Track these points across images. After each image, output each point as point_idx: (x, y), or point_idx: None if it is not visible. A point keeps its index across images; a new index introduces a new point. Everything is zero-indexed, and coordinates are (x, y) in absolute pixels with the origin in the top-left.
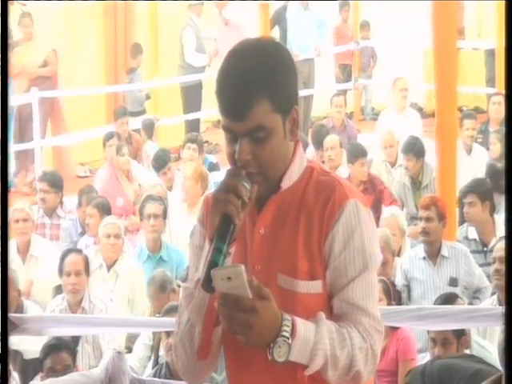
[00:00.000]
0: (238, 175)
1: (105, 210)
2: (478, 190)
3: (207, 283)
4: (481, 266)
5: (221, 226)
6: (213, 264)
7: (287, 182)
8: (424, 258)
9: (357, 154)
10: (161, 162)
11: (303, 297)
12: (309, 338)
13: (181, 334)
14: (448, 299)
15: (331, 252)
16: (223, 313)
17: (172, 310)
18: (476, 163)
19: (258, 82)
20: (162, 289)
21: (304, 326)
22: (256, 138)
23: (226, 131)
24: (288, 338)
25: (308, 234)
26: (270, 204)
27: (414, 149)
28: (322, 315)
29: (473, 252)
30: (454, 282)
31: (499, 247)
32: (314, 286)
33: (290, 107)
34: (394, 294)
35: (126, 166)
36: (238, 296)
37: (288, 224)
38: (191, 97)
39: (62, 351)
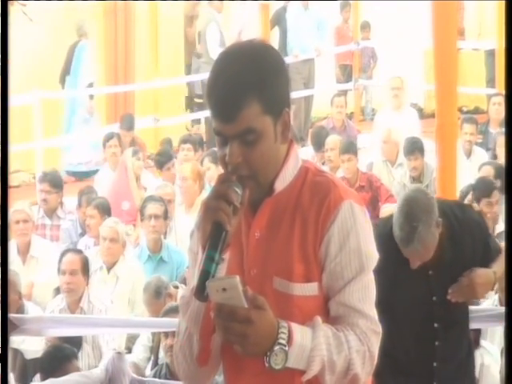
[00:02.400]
0: (228, 181)
1: (105, 210)
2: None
3: (200, 292)
4: None
5: (212, 234)
6: (205, 273)
7: (281, 184)
8: None
9: (345, 149)
10: (166, 156)
11: (299, 299)
12: (306, 345)
13: (180, 343)
14: None
15: (327, 254)
16: (219, 323)
17: (171, 311)
18: (476, 165)
19: (248, 84)
20: (157, 295)
21: (300, 333)
22: (246, 140)
23: (216, 134)
24: (285, 346)
25: (303, 237)
26: (265, 207)
27: (418, 146)
28: (319, 320)
29: None
30: None
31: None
32: (310, 289)
33: (281, 110)
34: None
35: (139, 171)
36: (233, 307)
37: (283, 227)
38: None
39: (73, 359)
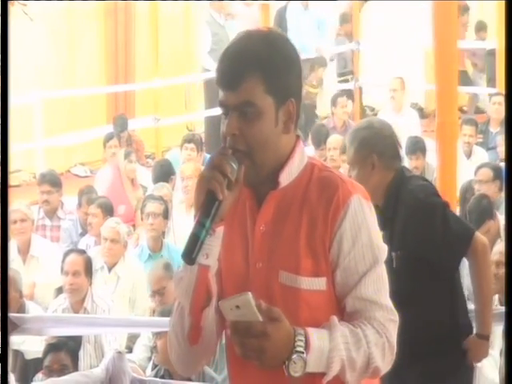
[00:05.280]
0: (224, 154)
1: (108, 210)
2: None
3: (188, 255)
4: None
5: (205, 202)
6: (194, 236)
7: (286, 178)
8: None
9: (344, 149)
10: (163, 178)
11: (306, 294)
12: (323, 348)
13: (173, 321)
14: None
15: (340, 251)
16: (236, 340)
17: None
18: (476, 165)
19: (254, 58)
20: (165, 268)
21: (317, 336)
22: (245, 113)
23: (220, 106)
24: (302, 353)
25: (311, 231)
26: (270, 200)
27: (420, 147)
28: (335, 320)
29: None
30: None
31: (496, 250)
32: (318, 283)
33: (286, 97)
34: None
35: (132, 174)
36: (248, 323)
37: (289, 221)
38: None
39: (61, 351)
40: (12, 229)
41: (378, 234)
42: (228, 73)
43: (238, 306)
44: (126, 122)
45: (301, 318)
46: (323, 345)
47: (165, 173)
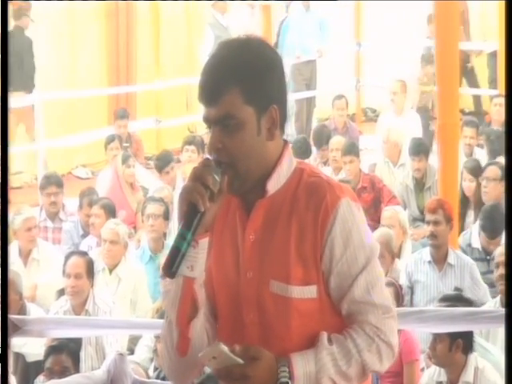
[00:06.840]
0: (207, 166)
1: (111, 211)
2: None
3: (169, 268)
4: (484, 273)
5: (187, 214)
6: (175, 249)
7: (274, 186)
8: (429, 262)
9: (347, 150)
10: (164, 161)
11: (297, 302)
12: (309, 372)
13: (163, 333)
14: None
15: (333, 257)
16: None
17: None
18: None
19: (231, 71)
20: None
21: (302, 362)
22: (227, 125)
23: (204, 121)
24: (287, 383)
25: (301, 239)
26: (259, 209)
27: (423, 149)
28: (323, 338)
29: (476, 260)
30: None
31: (502, 252)
32: (309, 291)
33: (267, 105)
34: (401, 298)
35: (131, 179)
36: (228, 369)
37: (279, 229)
38: None
39: (62, 353)
40: (25, 236)
41: (368, 234)
42: (207, 88)
43: (214, 357)
44: (126, 113)
45: (292, 326)
46: (309, 369)
47: (166, 158)
